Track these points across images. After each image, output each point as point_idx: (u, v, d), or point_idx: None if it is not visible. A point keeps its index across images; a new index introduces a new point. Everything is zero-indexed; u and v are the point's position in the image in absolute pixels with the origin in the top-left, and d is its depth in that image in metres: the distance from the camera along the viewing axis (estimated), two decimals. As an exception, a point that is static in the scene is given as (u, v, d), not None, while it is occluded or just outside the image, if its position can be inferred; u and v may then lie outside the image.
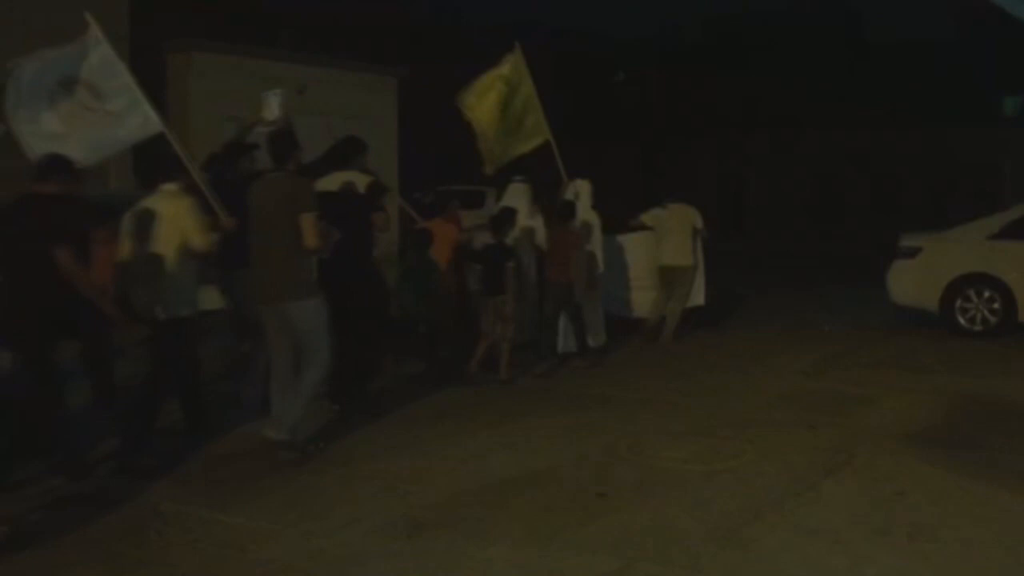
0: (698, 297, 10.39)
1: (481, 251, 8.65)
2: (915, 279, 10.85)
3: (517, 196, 9.24)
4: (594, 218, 9.37)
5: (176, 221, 5.94)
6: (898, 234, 11.41)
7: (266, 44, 15.10)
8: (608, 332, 9.55)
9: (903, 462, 5.95)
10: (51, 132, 6.41)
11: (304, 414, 6.02)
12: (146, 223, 5.95)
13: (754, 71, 24.15)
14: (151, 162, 6.59)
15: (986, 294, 10.42)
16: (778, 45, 24.98)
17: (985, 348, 9.86)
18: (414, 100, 15.16)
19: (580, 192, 9.41)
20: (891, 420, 6.98)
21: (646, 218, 10.28)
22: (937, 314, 10.69)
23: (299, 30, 15.27)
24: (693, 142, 20.96)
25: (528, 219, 9.13)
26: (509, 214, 8.54)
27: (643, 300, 10.42)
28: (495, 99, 9.25)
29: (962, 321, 10.52)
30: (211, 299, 7.10)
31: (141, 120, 6.60)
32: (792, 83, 24.19)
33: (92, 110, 6.45)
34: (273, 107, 7.14)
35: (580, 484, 5.56)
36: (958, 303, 10.53)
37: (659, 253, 10.16)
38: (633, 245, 10.42)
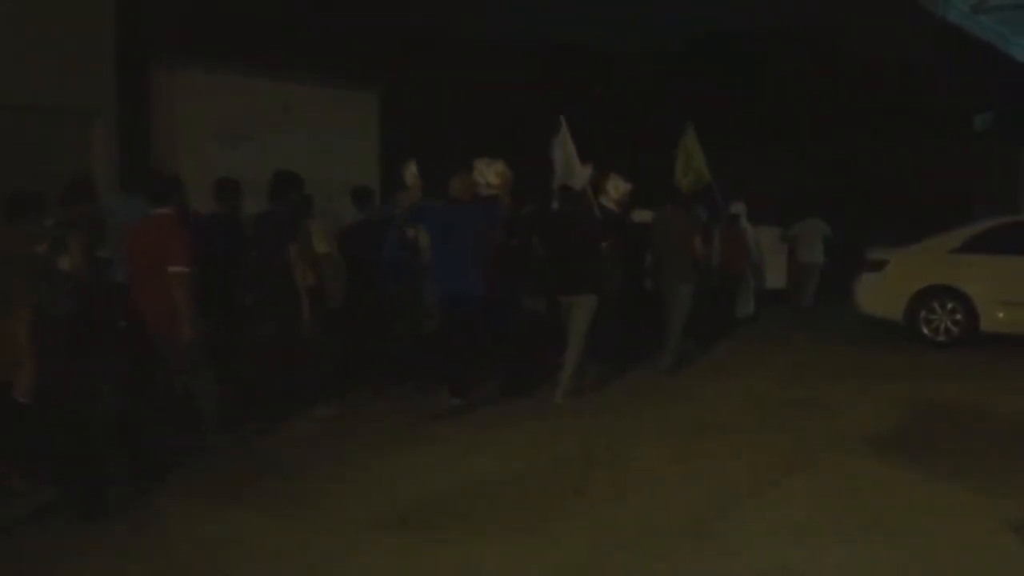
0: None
1: None
2: (881, 291, 11.24)
3: None
4: (750, 228, 13.00)
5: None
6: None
7: (251, 62, 15.33)
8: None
9: (861, 462, 6.33)
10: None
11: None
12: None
13: (734, 88, 24.66)
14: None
15: (949, 305, 10.80)
16: (756, 64, 25.49)
17: (947, 357, 10.25)
18: (399, 114, 15.49)
19: (740, 209, 12.82)
20: (853, 424, 7.34)
21: (794, 229, 14.37)
22: (902, 325, 11.08)
23: (282, 47, 15.52)
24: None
25: None
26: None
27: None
28: (683, 156, 12.73)
29: (926, 331, 10.90)
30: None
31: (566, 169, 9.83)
32: (766, 99, 24.68)
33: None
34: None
35: (558, 482, 5.89)
36: (922, 314, 10.92)
37: (799, 253, 14.22)
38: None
